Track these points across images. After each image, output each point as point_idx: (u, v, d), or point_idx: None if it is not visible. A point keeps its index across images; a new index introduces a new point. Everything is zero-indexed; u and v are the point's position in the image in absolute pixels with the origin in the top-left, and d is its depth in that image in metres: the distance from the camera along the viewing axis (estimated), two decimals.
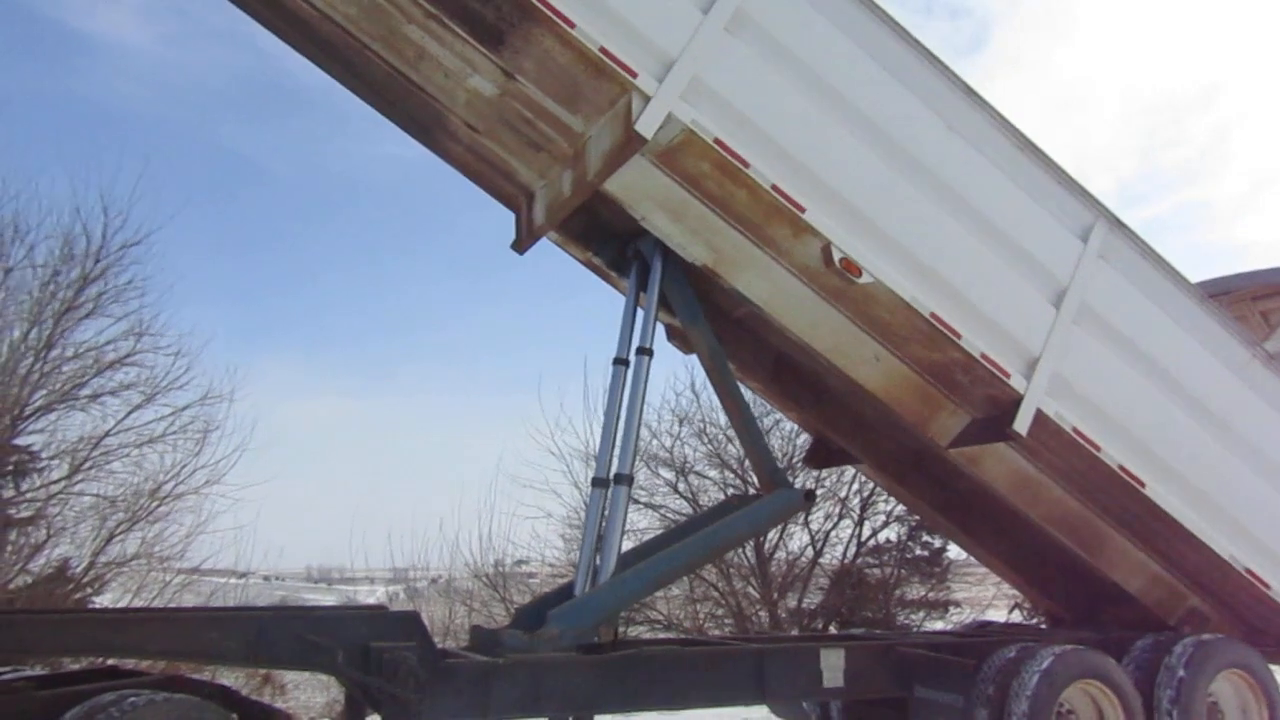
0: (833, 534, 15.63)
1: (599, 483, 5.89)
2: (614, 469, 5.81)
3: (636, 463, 14.70)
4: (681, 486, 15.33)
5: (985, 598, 16.11)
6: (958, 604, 16.07)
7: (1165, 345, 6.52)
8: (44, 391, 10.65)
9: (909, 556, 15.92)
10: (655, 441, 15.36)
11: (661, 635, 13.65)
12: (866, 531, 15.60)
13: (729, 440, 14.61)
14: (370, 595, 20.42)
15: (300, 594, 30.42)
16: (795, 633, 13.86)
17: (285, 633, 4.79)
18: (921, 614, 15.70)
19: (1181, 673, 6.45)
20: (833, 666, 5.97)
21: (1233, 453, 6.67)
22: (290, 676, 13.11)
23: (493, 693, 5.04)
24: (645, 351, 5.97)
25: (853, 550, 15.63)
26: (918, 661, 6.18)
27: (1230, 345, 6.80)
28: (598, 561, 5.71)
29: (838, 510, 15.49)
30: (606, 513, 5.76)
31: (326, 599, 26.33)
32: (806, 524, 15.34)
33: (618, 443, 5.89)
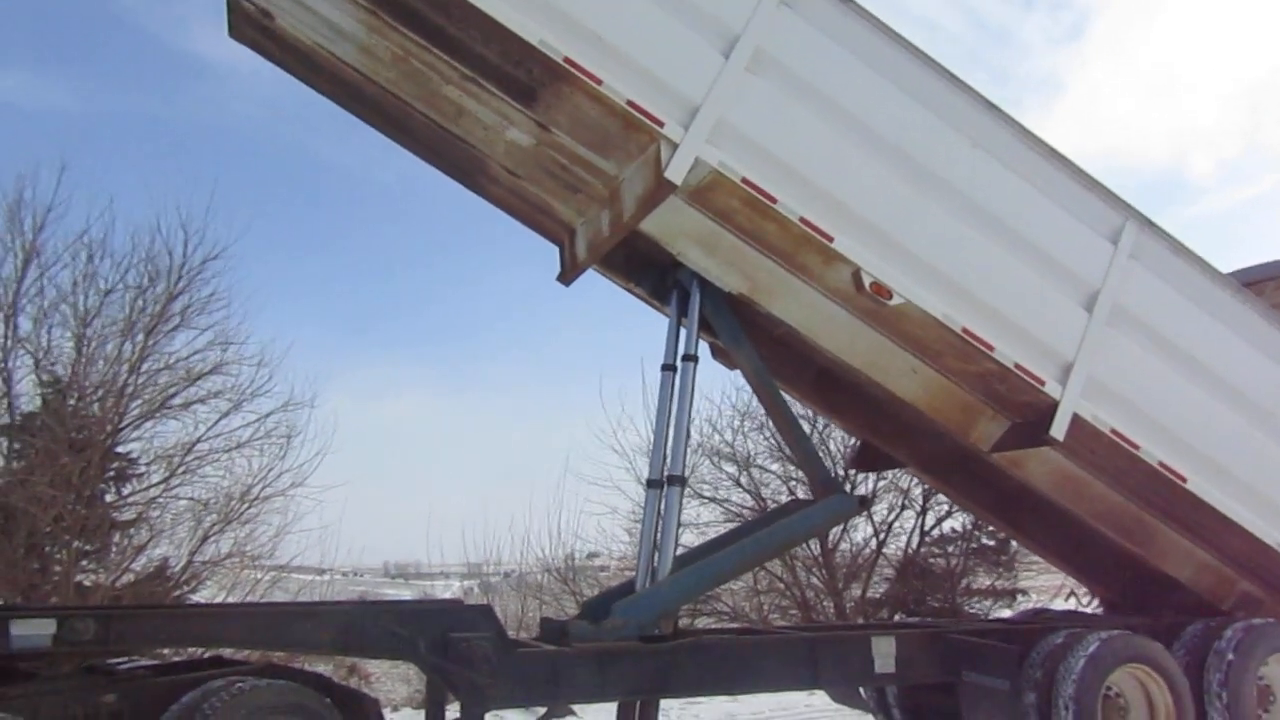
0: (896, 525, 15.76)
1: (653, 484, 6.17)
2: (666, 470, 6.07)
3: (699, 457, 15.15)
4: (744, 480, 15.51)
5: (1054, 585, 15.91)
6: (1025, 592, 15.99)
7: (1203, 339, 6.57)
8: (140, 402, 11.37)
9: (975, 546, 15.93)
10: (717, 436, 15.60)
11: (727, 626, 13.94)
12: (930, 521, 15.71)
13: None
14: (446, 590, 21.01)
15: (379, 590, 31.27)
16: (860, 621, 14.04)
17: (372, 624, 5.23)
18: (989, 603, 15.70)
19: (1230, 656, 6.60)
20: (883, 653, 6.21)
21: (1278, 442, 6.71)
22: (374, 669, 13.73)
23: (561, 679, 5.43)
24: (690, 358, 6.18)
25: (916, 540, 15.76)
26: (965, 647, 6.40)
27: (1269, 334, 6.83)
28: (656, 558, 6.03)
29: (900, 501, 15.61)
30: (662, 511, 6.04)
31: (404, 594, 27.16)
32: (870, 516, 15.45)
33: (669, 445, 6.13)
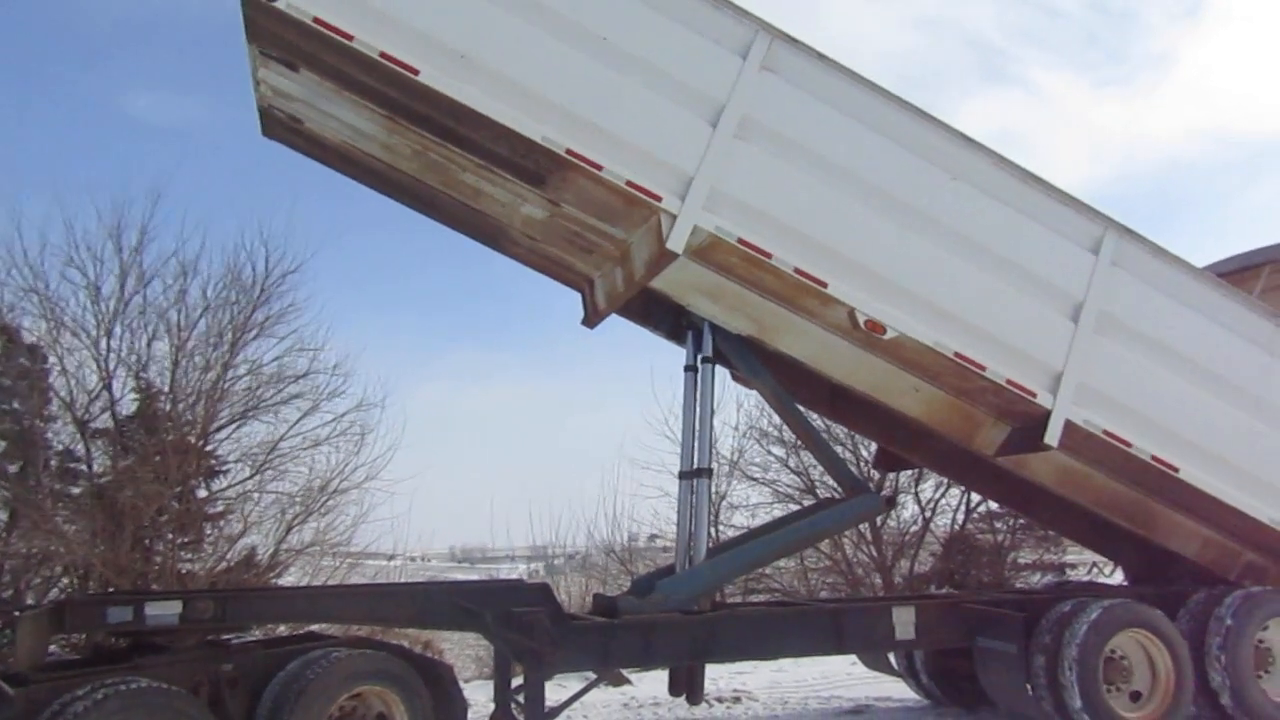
0: (943, 501, 16.20)
1: (685, 475, 6.78)
2: (695, 463, 6.67)
3: (748, 440, 15.70)
4: (793, 462, 16.03)
5: (1101, 559, 16.24)
6: (1073, 566, 16.31)
7: (1189, 335, 6.86)
8: (228, 405, 12.34)
9: (1022, 521, 16.26)
10: (766, 419, 16.18)
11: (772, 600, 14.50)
12: (976, 498, 16.05)
13: None
14: (512, 572, 21.88)
15: (446, 574, 32.23)
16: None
17: (445, 601, 6.04)
18: (1036, 576, 16.05)
19: (1229, 621, 7.09)
20: (904, 621, 6.85)
21: (1270, 425, 7.04)
22: (445, 646, 14.63)
23: (611, 646, 6.14)
24: (709, 360, 6.68)
25: (962, 516, 16.19)
26: (978, 615, 6.99)
27: (1254, 322, 7.12)
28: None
29: (946, 479, 16.01)
30: (694, 501, 6.64)
31: (470, 577, 28.07)
32: (916, 494, 15.97)
33: (695, 440, 6.70)
